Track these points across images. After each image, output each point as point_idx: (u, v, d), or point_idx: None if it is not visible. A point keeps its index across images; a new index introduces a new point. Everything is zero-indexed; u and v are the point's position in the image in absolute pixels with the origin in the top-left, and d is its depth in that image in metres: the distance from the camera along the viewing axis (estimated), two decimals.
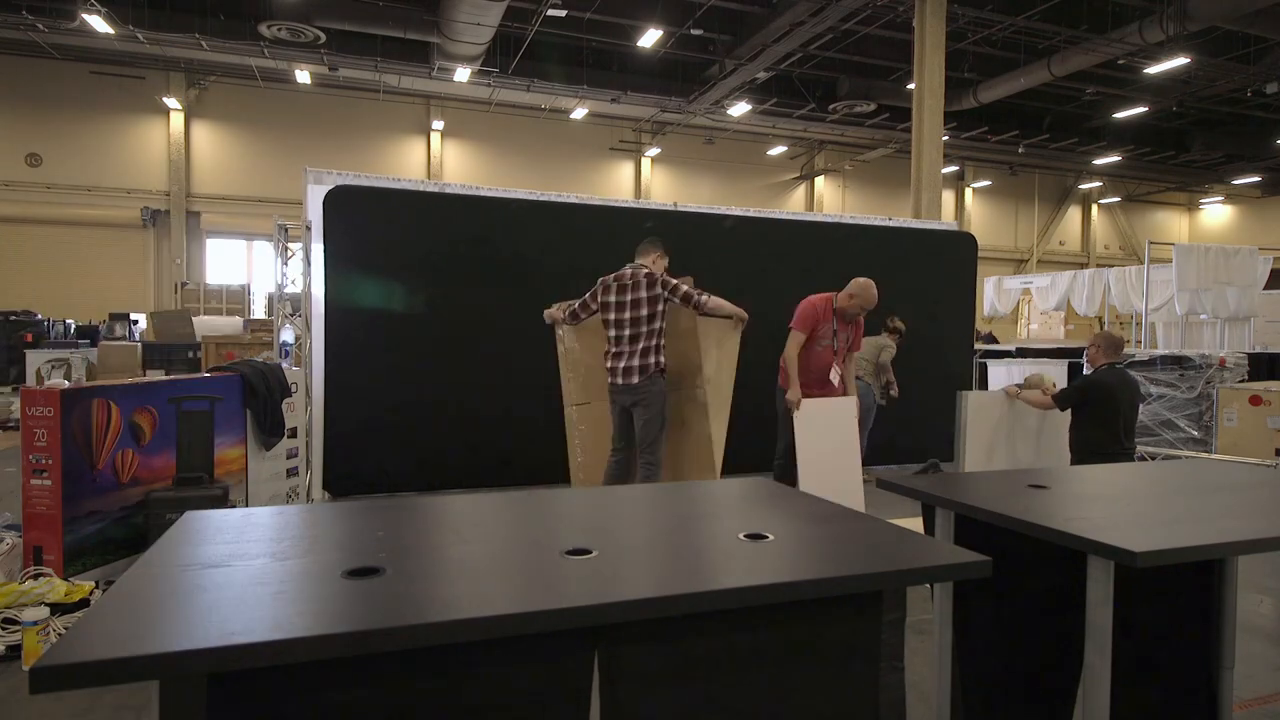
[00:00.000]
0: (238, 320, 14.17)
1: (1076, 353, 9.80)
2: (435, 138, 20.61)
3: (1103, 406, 4.90)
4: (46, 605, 3.37)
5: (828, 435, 4.81)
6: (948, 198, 24.83)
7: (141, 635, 1.13)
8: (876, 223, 7.72)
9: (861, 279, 5.06)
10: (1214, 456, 7.19)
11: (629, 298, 4.55)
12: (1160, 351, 8.77)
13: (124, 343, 11.98)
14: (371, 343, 5.48)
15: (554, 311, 4.95)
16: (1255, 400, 7.11)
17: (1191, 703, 2.43)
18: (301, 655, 1.15)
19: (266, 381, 5.15)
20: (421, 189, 6.07)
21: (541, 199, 6.12)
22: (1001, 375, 10.35)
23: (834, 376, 5.07)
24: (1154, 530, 1.92)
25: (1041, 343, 13.49)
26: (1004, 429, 5.61)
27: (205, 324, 12.67)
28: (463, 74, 16.16)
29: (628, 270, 4.63)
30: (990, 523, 2.08)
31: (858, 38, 15.55)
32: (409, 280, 5.59)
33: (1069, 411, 5.25)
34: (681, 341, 4.67)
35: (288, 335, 6.84)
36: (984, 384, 10.37)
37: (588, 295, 4.74)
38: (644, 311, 4.50)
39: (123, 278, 18.62)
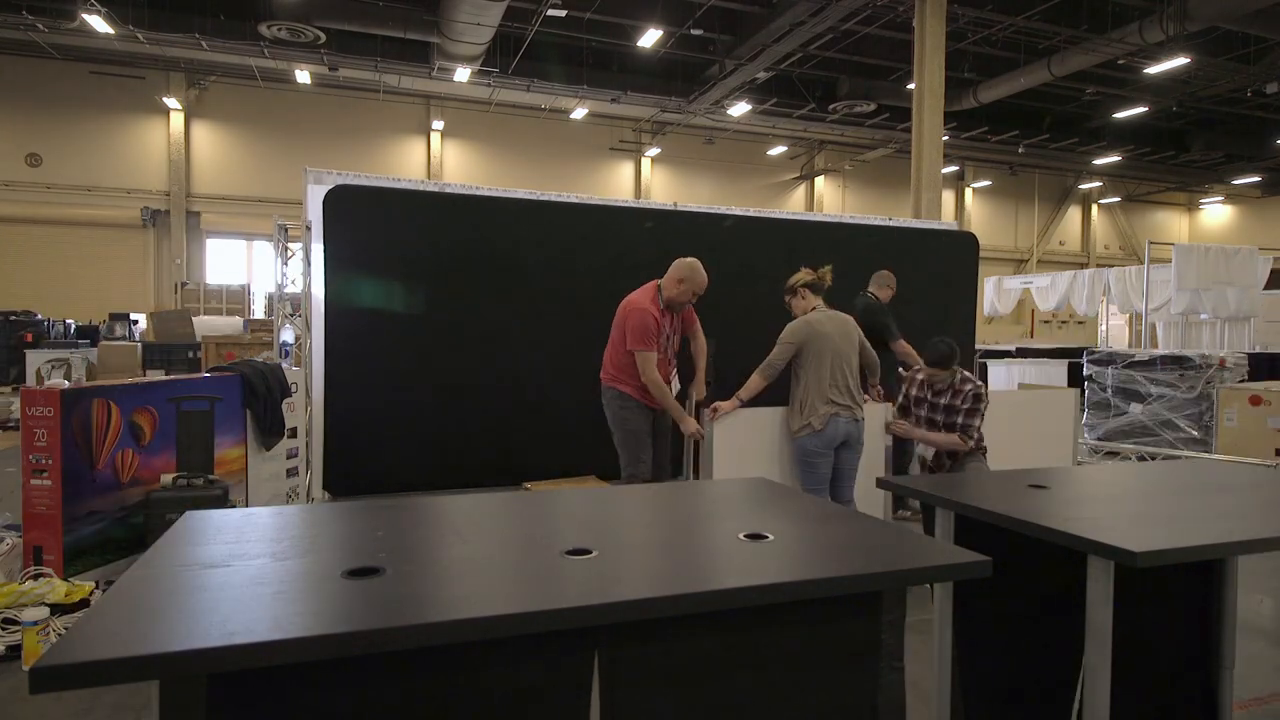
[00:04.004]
0: (238, 320, 14.18)
1: (1076, 353, 9.81)
2: (435, 138, 20.61)
3: None
4: (46, 605, 3.37)
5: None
6: (948, 198, 24.84)
7: (141, 635, 1.13)
8: (877, 222, 7.71)
9: (687, 259, 4.35)
10: (1214, 456, 7.19)
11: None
12: (1160, 351, 8.77)
13: (124, 343, 11.98)
14: (371, 343, 5.48)
15: None
16: (1255, 400, 7.11)
17: (1191, 703, 2.43)
18: (301, 655, 1.15)
19: (266, 381, 5.15)
20: (421, 189, 6.06)
21: (541, 199, 6.12)
22: (1002, 375, 10.36)
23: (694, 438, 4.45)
24: (1154, 530, 1.92)
25: (1041, 343, 13.49)
26: (1005, 429, 5.60)
27: (205, 324, 12.67)
28: (463, 74, 16.15)
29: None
30: (990, 523, 2.08)
31: (858, 38, 15.55)
32: (409, 280, 5.59)
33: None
34: None
35: (288, 335, 6.84)
36: (984, 384, 10.36)
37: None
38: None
39: (123, 278, 18.62)
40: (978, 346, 9.53)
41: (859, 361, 4.44)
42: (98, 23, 13.42)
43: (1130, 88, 17.98)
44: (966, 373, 4.46)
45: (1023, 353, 11.21)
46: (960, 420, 4.33)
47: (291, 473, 5.61)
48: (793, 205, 24.09)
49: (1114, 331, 15.71)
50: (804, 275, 4.49)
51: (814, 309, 4.41)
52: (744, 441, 4.49)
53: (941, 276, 7.28)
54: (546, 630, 1.29)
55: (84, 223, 18.22)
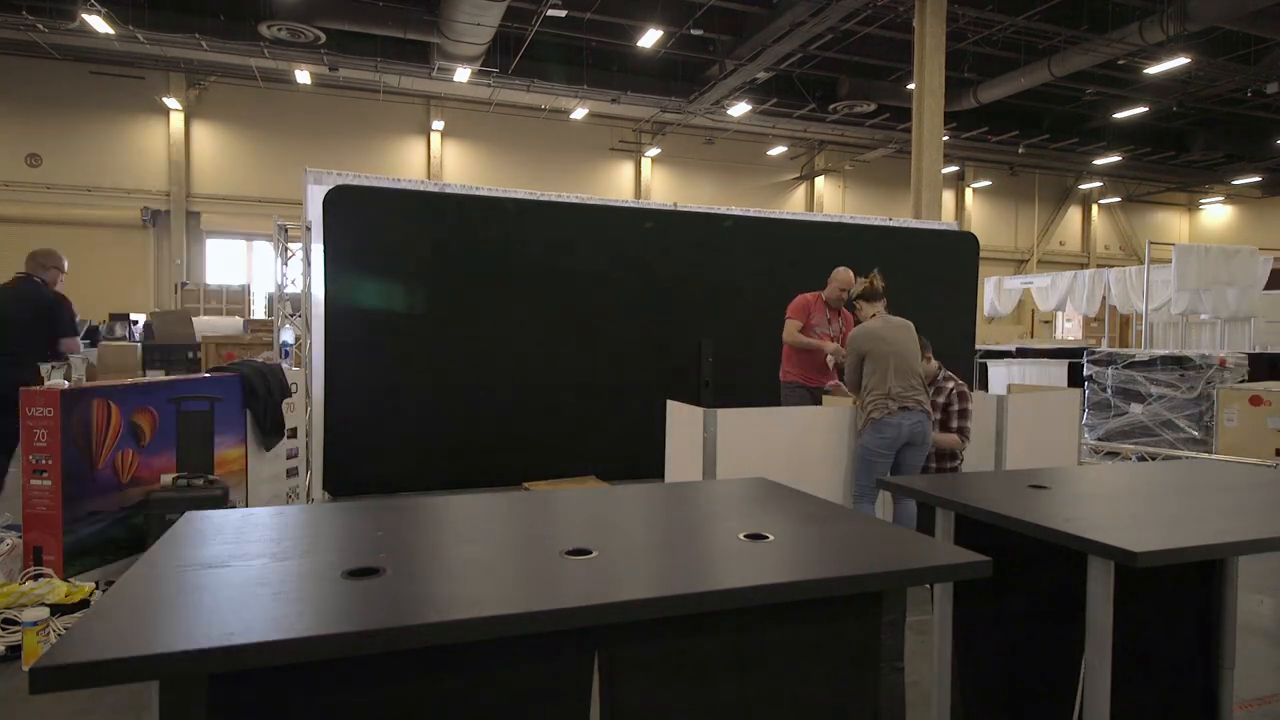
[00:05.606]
0: (238, 320, 14.16)
1: (1076, 353, 9.81)
2: (435, 138, 20.60)
3: None
4: (46, 605, 3.37)
5: None
6: (948, 198, 24.83)
7: (141, 635, 1.13)
8: (877, 223, 7.72)
9: (838, 269, 5.48)
10: (1214, 456, 7.19)
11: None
12: (1160, 351, 8.76)
13: (124, 343, 11.98)
14: (371, 343, 5.48)
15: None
16: (1255, 400, 7.11)
17: (1191, 703, 2.43)
18: (301, 655, 1.15)
19: (266, 381, 5.14)
20: (421, 189, 6.07)
21: (541, 199, 6.12)
22: (1002, 375, 10.35)
23: (831, 362, 5.26)
24: (1154, 530, 1.92)
25: (1041, 343, 13.49)
26: (1006, 429, 5.59)
27: (205, 324, 12.67)
28: (463, 74, 16.15)
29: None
30: (990, 523, 2.08)
31: (858, 38, 15.55)
32: (409, 280, 5.59)
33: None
34: None
35: (288, 335, 6.84)
36: (984, 384, 10.37)
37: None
38: None
39: (123, 278, 18.61)
40: (978, 347, 9.53)
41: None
42: (98, 23, 13.42)
43: (1130, 88, 17.98)
44: (947, 370, 4.53)
45: (1023, 353, 11.21)
46: (955, 424, 4.38)
47: (291, 473, 5.61)
48: (793, 205, 24.09)
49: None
50: (858, 287, 4.66)
51: (873, 316, 4.49)
52: (744, 441, 4.49)
53: (941, 276, 7.29)
54: (546, 630, 1.29)
55: (84, 223, 18.21)
